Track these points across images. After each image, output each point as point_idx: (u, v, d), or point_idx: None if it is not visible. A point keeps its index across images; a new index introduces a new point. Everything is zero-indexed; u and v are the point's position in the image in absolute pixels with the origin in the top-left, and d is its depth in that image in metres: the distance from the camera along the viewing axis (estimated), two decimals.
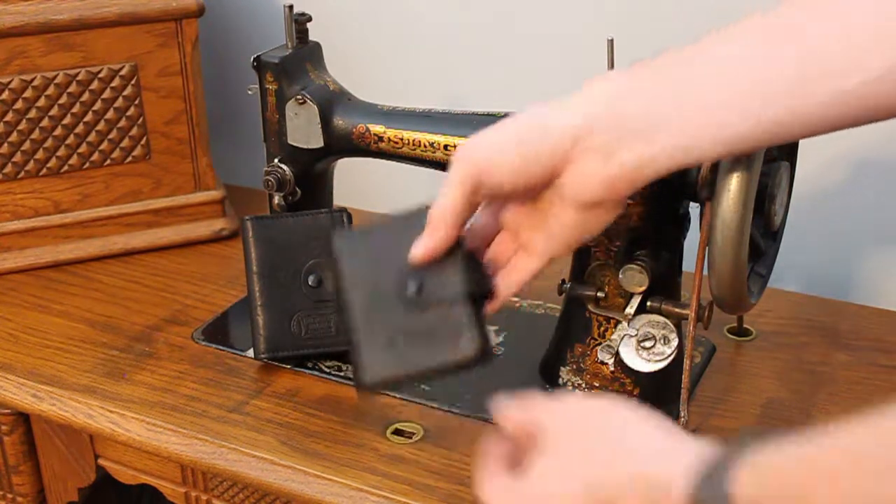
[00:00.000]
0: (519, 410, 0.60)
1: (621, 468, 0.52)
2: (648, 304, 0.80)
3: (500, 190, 0.63)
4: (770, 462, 0.46)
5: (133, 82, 1.08)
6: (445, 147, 0.86)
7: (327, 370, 0.91)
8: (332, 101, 0.91)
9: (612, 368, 0.84)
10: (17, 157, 1.07)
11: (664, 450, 0.52)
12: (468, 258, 0.65)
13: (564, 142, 0.60)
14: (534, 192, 0.64)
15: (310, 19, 0.93)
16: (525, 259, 0.67)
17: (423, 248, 0.64)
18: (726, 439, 0.49)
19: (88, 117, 1.08)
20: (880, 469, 0.41)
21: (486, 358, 0.63)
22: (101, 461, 0.93)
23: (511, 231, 0.68)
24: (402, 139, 0.88)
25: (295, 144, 0.92)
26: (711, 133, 0.58)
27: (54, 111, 1.06)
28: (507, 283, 0.67)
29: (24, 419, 0.95)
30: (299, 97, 0.90)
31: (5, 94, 1.04)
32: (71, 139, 1.08)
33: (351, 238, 0.70)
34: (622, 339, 0.80)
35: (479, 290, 0.65)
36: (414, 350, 0.63)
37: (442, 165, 0.87)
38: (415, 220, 0.65)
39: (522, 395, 0.61)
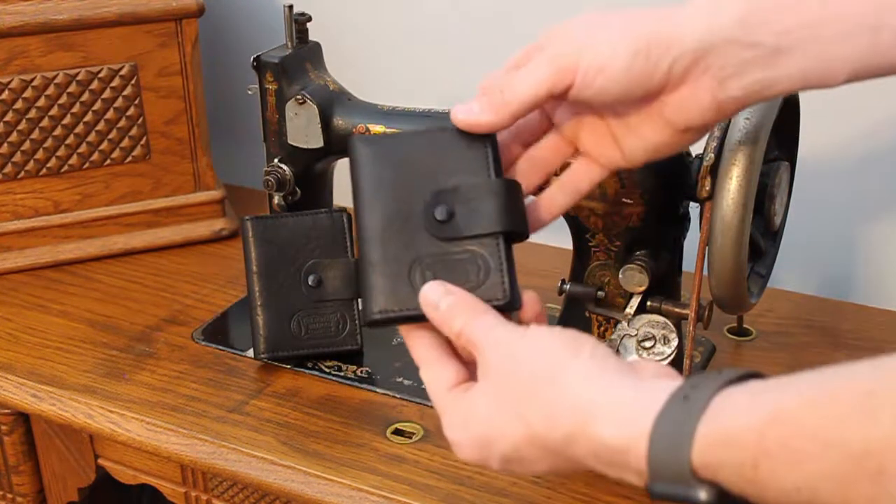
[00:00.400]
0: (458, 319, 0.55)
1: (567, 422, 0.49)
2: (648, 304, 0.80)
3: (593, 98, 0.57)
4: (730, 426, 0.44)
5: (133, 82, 1.08)
6: None
7: (327, 370, 0.91)
8: (332, 101, 0.91)
9: None
10: (17, 157, 1.07)
11: (621, 404, 0.48)
12: (510, 188, 0.58)
13: (685, 60, 0.55)
14: (626, 104, 0.59)
15: (310, 19, 0.93)
16: (587, 167, 0.62)
17: (474, 115, 0.58)
18: (686, 385, 0.47)
19: (88, 117, 1.08)
20: (838, 415, 0.41)
21: (513, 306, 0.56)
22: (101, 461, 0.93)
23: (566, 135, 0.62)
24: None
25: (295, 144, 0.92)
26: (842, 60, 0.55)
27: (54, 111, 1.06)
28: (566, 191, 0.62)
29: (24, 419, 0.95)
30: (299, 97, 0.90)
31: (5, 94, 1.04)
32: (71, 139, 1.08)
33: (373, 143, 0.61)
34: (622, 339, 0.80)
35: (517, 229, 0.57)
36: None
37: None
38: (447, 139, 0.58)
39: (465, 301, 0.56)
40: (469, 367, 0.57)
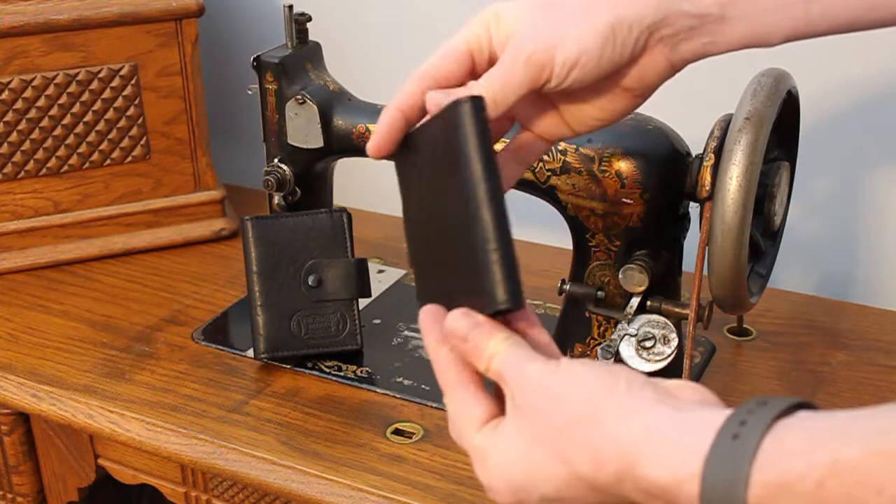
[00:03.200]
0: (486, 352, 0.53)
1: (613, 463, 0.48)
2: (648, 304, 0.80)
3: (562, 89, 0.60)
4: (787, 473, 0.43)
5: (133, 82, 1.08)
6: None
7: (327, 370, 0.91)
8: (332, 101, 0.91)
9: None
10: (17, 157, 1.07)
11: (667, 442, 0.47)
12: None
13: (644, 36, 0.59)
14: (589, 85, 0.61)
15: (310, 19, 0.93)
16: (536, 141, 0.64)
17: None
18: (734, 420, 0.46)
19: (88, 117, 1.08)
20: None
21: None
22: (101, 461, 0.93)
23: (516, 113, 0.64)
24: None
25: (295, 144, 0.92)
26: (778, 27, 0.59)
27: (54, 111, 1.06)
28: (514, 162, 0.63)
29: (24, 419, 0.95)
30: (299, 97, 0.90)
31: (5, 94, 1.04)
32: (71, 139, 1.08)
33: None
34: (622, 338, 0.80)
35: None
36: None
37: None
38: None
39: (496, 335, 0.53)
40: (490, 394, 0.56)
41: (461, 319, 0.53)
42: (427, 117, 0.58)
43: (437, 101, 0.57)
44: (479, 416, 0.53)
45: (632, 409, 0.48)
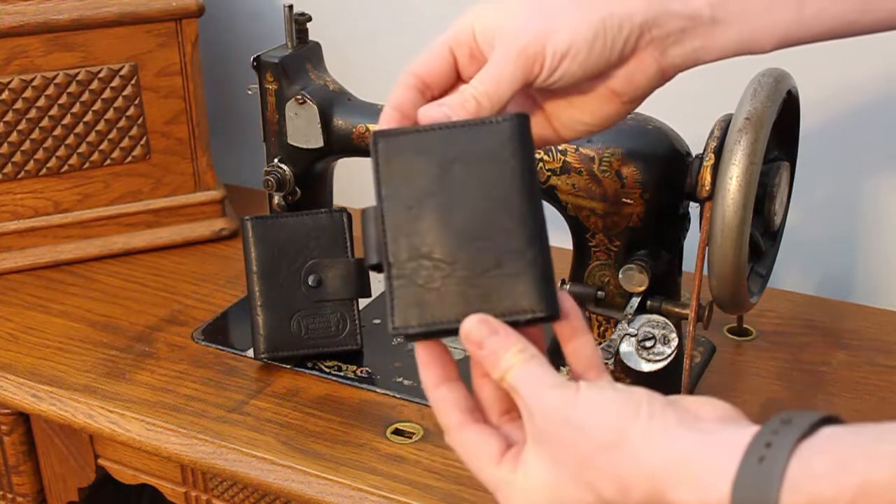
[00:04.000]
0: (502, 363, 0.52)
1: (640, 489, 0.48)
2: (648, 304, 0.80)
3: (550, 85, 0.59)
4: (816, 496, 0.43)
5: (133, 82, 1.08)
6: None
7: (327, 370, 0.91)
8: (332, 101, 0.91)
9: (611, 368, 0.84)
10: (17, 157, 1.07)
11: (694, 468, 0.47)
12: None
13: (634, 36, 0.59)
14: (576, 84, 0.61)
15: (310, 19, 0.93)
16: None
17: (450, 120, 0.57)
18: (759, 442, 0.45)
19: (88, 117, 1.08)
20: None
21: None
22: (101, 461, 0.93)
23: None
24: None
25: (295, 144, 0.92)
26: (770, 31, 0.59)
27: (54, 111, 1.06)
28: None
29: (24, 419, 0.95)
30: (299, 97, 0.90)
31: (5, 94, 1.04)
32: (71, 139, 1.08)
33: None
34: (622, 338, 0.80)
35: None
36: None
37: None
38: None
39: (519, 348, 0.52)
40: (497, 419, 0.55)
41: (478, 325, 0.52)
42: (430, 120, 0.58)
43: (431, 115, 0.58)
44: (494, 451, 0.53)
45: (656, 434, 0.48)
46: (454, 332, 0.53)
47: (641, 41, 0.59)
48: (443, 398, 0.55)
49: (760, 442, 0.45)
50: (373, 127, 0.89)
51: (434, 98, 0.61)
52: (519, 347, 0.52)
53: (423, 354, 0.55)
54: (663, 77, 0.61)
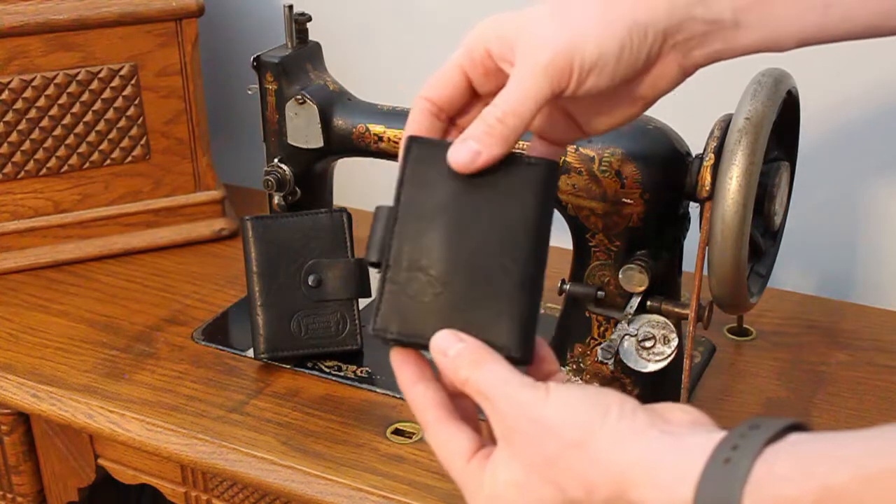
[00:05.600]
0: (465, 368, 0.53)
1: (605, 489, 0.48)
2: (648, 304, 0.80)
3: (578, 96, 0.58)
4: (778, 498, 0.43)
5: (133, 82, 1.08)
6: None
7: (327, 370, 0.91)
8: (332, 101, 0.91)
9: (611, 368, 0.84)
10: (17, 157, 1.07)
11: (659, 468, 0.47)
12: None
13: (659, 42, 0.58)
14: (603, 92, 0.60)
15: (310, 19, 0.93)
16: (548, 149, 0.63)
17: (481, 156, 0.55)
18: (725, 445, 0.46)
19: (88, 117, 1.08)
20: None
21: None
22: (101, 461, 0.93)
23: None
24: (401, 139, 0.88)
25: (295, 144, 0.92)
26: (792, 33, 0.58)
27: (54, 111, 1.06)
28: None
29: (24, 419, 0.95)
30: (299, 97, 0.90)
31: (5, 94, 1.04)
32: (71, 139, 1.08)
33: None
34: (622, 339, 0.80)
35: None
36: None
37: None
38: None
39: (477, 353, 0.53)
40: (471, 422, 0.56)
41: (446, 335, 0.54)
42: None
43: (460, 159, 0.56)
44: (465, 450, 0.54)
45: (624, 434, 0.48)
46: (428, 346, 0.54)
47: (665, 46, 0.58)
48: (420, 395, 0.56)
49: (727, 444, 0.46)
50: (373, 127, 0.89)
51: (451, 119, 0.60)
52: (483, 353, 0.53)
53: (397, 356, 0.56)
54: (685, 75, 0.61)
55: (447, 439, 0.55)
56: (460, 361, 0.53)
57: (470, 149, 0.55)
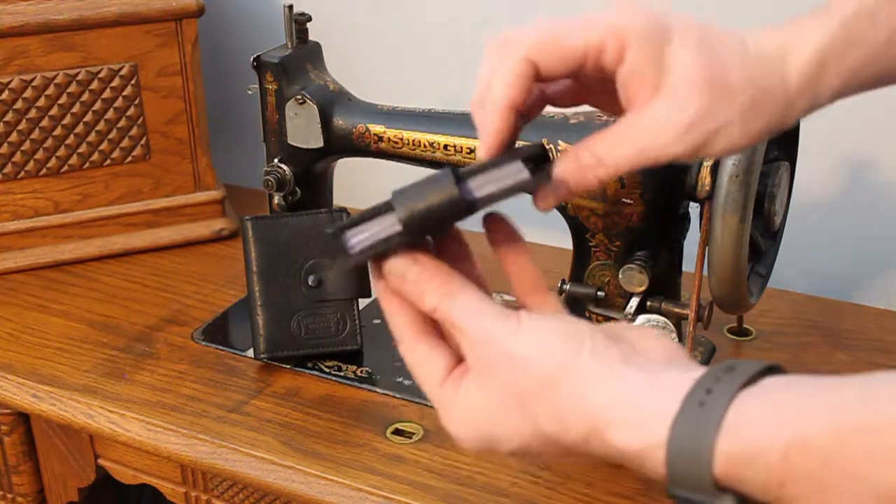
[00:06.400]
0: (431, 295, 0.52)
1: (578, 427, 0.48)
2: (648, 304, 0.80)
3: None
4: (752, 444, 0.43)
5: (133, 82, 1.08)
6: (445, 147, 0.86)
7: (327, 370, 0.91)
8: (332, 101, 0.91)
9: None
10: (17, 157, 1.07)
11: (633, 409, 0.47)
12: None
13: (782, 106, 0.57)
14: None
15: (310, 19, 0.93)
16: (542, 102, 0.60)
17: (567, 192, 0.54)
18: (700, 388, 0.46)
19: (88, 117, 1.08)
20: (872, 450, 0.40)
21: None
22: (101, 461, 0.93)
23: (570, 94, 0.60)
24: (402, 139, 0.88)
25: (295, 144, 0.92)
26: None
27: (54, 111, 1.06)
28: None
29: (24, 419, 0.95)
30: (299, 97, 0.90)
31: (5, 94, 1.04)
32: (71, 139, 1.08)
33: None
34: None
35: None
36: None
37: (442, 165, 0.87)
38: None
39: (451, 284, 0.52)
40: (450, 340, 0.54)
41: (400, 261, 0.52)
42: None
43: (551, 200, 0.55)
44: (439, 371, 0.53)
45: (598, 372, 0.48)
46: (382, 211, 0.52)
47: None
48: (397, 310, 0.54)
49: (702, 388, 0.46)
50: (373, 127, 0.89)
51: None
52: (442, 278, 0.52)
53: (375, 268, 0.54)
54: None
55: (421, 359, 0.54)
56: (425, 287, 0.52)
57: (558, 194, 0.54)
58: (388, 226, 0.52)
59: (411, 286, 0.52)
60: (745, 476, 0.44)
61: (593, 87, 0.58)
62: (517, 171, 0.52)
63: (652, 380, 0.48)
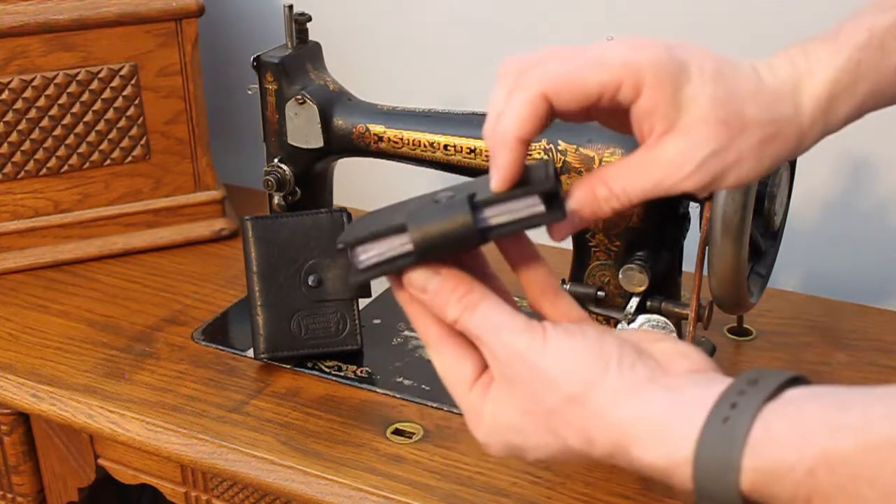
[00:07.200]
0: (453, 307, 0.52)
1: (605, 443, 0.48)
2: (648, 304, 0.80)
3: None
4: (779, 461, 0.44)
5: (133, 82, 1.08)
6: (445, 147, 0.86)
7: (327, 370, 0.91)
8: (332, 101, 0.91)
9: None
10: (17, 157, 1.07)
11: (659, 426, 0.47)
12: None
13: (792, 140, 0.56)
14: None
15: (310, 19, 0.93)
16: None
17: (581, 223, 0.55)
18: (725, 402, 0.46)
19: (88, 117, 1.08)
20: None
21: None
22: (101, 461, 0.93)
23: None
24: (402, 139, 0.88)
25: (295, 144, 0.92)
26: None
27: (54, 111, 1.06)
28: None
29: (24, 419, 0.95)
30: (299, 97, 0.90)
31: (5, 94, 1.04)
32: (71, 139, 1.08)
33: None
34: None
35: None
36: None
37: (442, 165, 0.87)
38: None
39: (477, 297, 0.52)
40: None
41: (421, 272, 0.52)
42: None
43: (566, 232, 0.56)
44: (468, 376, 0.53)
45: (624, 391, 0.49)
46: (394, 230, 0.52)
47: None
48: (421, 315, 0.54)
49: (726, 402, 0.46)
50: (373, 127, 0.89)
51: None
52: (464, 290, 0.52)
53: (395, 280, 0.54)
54: None
55: (448, 364, 0.54)
56: (447, 298, 0.52)
57: (572, 224, 0.55)
58: (398, 245, 0.52)
59: (432, 298, 0.52)
60: (772, 491, 0.44)
61: (603, 111, 0.57)
62: (533, 205, 0.52)
63: (677, 397, 0.48)
